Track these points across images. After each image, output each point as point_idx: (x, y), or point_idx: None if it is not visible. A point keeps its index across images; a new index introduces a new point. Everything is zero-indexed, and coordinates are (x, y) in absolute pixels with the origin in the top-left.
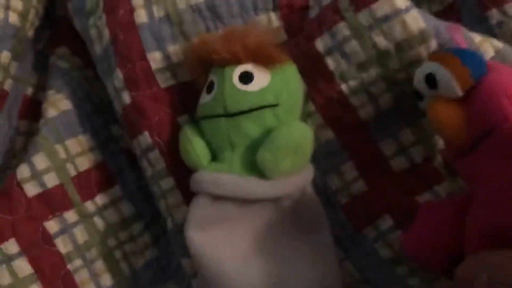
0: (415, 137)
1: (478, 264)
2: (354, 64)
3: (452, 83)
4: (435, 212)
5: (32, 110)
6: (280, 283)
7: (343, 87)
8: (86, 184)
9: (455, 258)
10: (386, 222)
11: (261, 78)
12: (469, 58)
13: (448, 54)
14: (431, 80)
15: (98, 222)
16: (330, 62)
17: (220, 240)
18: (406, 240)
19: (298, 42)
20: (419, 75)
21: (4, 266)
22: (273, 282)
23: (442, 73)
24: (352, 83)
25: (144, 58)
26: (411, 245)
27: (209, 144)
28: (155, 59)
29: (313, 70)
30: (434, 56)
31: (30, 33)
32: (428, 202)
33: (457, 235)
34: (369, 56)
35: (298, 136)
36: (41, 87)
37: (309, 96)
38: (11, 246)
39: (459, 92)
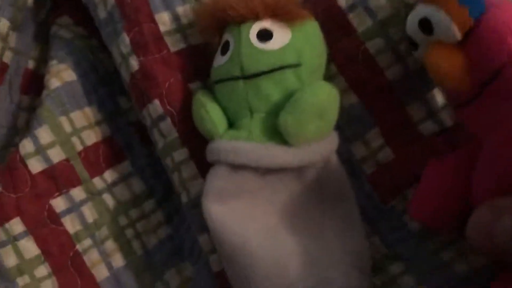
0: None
1: (496, 210)
2: (380, 20)
3: (450, 25)
4: (439, 172)
5: (35, 84)
6: (306, 258)
7: (368, 46)
8: (94, 159)
9: (464, 217)
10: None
11: (281, 36)
12: None
13: None
14: (426, 25)
15: (108, 199)
16: (353, 19)
17: (241, 213)
18: (412, 205)
19: None
20: (412, 21)
21: (9, 246)
22: (300, 256)
23: (438, 16)
24: (378, 41)
25: (152, 20)
26: (417, 210)
27: (225, 110)
28: (163, 20)
29: (335, 28)
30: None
31: (30, 0)
32: (432, 161)
33: (464, 194)
34: (396, 10)
35: (323, 97)
36: (43, 60)
37: (330, 57)
38: (16, 226)
39: (458, 35)
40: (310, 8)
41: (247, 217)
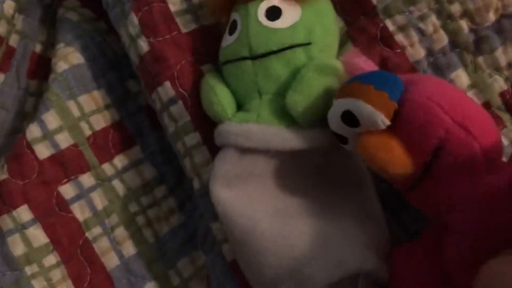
0: (471, 80)
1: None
2: None
3: (373, 113)
4: (408, 259)
5: (42, 68)
6: (320, 238)
7: (388, 23)
8: (103, 145)
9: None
10: None
11: (291, 13)
12: (380, 80)
13: (355, 84)
14: (349, 118)
15: (118, 186)
16: None
17: (250, 196)
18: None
19: None
20: (334, 116)
21: (17, 234)
22: (312, 237)
23: (358, 107)
24: (399, 18)
25: None
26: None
27: (233, 92)
28: (174, 0)
29: (352, 5)
30: (342, 92)
31: None
32: (397, 249)
33: (437, 271)
34: None
35: (329, 73)
36: (51, 44)
37: (348, 36)
38: (24, 213)
39: (386, 121)
40: None
41: (256, 200)
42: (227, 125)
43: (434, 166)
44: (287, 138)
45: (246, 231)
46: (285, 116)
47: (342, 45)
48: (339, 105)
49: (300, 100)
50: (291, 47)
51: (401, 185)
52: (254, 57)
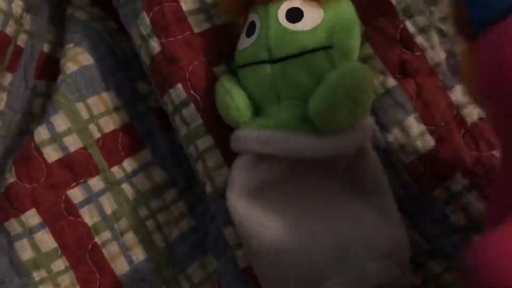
0: None
1: None
2: None
3: None
4: None
5: (50, 68)
6: (342, 253)
7: (408, 24)
8: (112, 147)
9: None
10: (459, 182)
11: (312, 15)
12: None
13: None
14: None
15: (127, 189)
16: None
17: (268, 206)
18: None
19: None
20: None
21: (25, 239)
22: (335, 251)
23: None
24: (419, 19)
25: None
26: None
27: (250, 96)
28: None
29: (371, 5)
30: None
31: None
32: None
33: None
34: None
35: (356, 80)
36: (59, 44)
37: (366, 37)
38: (32, 218)
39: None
40: None
41: (273, 208)
42: (244, 130)
43: None
44: (307, 145)
45: (262, 242)
46: (305, 122)
47: (369, 58)
48: None
49: (323, 107)
50: (312, 50)
51: None
52: (273, 61)
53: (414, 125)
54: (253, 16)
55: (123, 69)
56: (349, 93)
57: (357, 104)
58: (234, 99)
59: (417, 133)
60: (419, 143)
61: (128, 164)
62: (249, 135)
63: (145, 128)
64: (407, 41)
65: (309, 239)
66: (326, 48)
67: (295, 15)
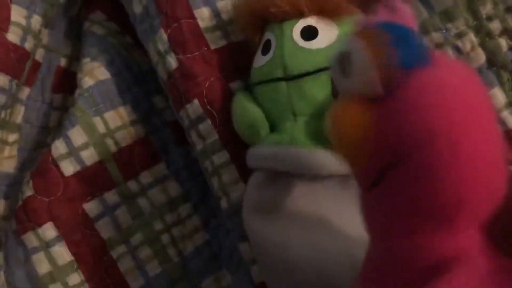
0: (508, 98)
1: None
2: (438, 12)
3: (368, 67)
4: None
5: (67, 82)
6: (355, 261)
7: (425, 39)
8: (128, 161)
9: None
10: None
11: (327, 33)
12: (405, 38)
13: (378, 29)
14: (345, 63)
15: (143, 203)
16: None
17: (283, 223)
18: None
19: None
20: (333, 56)
21: (42, 253)
22: (347, 260)
23: (359, 52)
24: (436, 36)
25: (191, 16)
26: None
27: (266, 113)
28: (203, 16)
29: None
30: (360, 33)
31: None
32: None
33: None
34: (455, 2)
35: None
36: (76, 58)
37: None
38: (49, 231)
39: (377, 85)
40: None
41: (288, 225)
42: (260, 147)
43: (390, 174)
44: (324, 163)
45: (277, 260)
46: (321, 139)
47: None
48: (346, 43)
49: None
50: (327, 68)
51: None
52: (288, 78)
53: None
54: (268, 35)
55: (139, 84)
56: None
57: None
58: (250, 116)
59: None
60: None
61: (144, 178)
62: (265, 152)
63: (161, 141)
64: None
65: (326, 259)
66: None
67: (310, 33)
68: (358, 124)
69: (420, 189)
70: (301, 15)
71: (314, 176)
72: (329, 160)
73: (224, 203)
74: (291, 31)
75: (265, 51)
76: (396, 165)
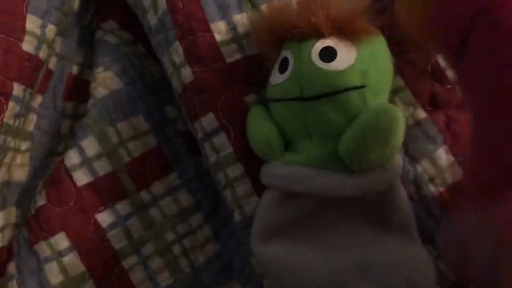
0: None
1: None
2: None
3: None
4: None
5: (78, 90)
6: (365, 272)
7: (440, 58)
8: (141, 171)
9: None
10: None
11: (346, 55)
12: None
13: None
14: None
15: (154, 213)
16: None
17: (292, 241)
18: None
19: (384, 4)
20: None
21: (54, 262)
22: (358, 273)
23: None
24: None
25: (207, 29)
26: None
27: (281, 130)
28: (219, 29)
29: (403, 39)
30: None
31: (76, 4)
32: None
33: None
34: None
35: (388, 120)
36: (88, 66)
37: (397, 69)
38: (61, 241)
39: None
40: (375, 17)
41: (298, 241)
42: (274, 165)
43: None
44: (338, 184)
45: (288, 282)
46: (335, 160)
47: (399, 90)
48: None
49: (354, 147)
50: (345, 89)
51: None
52: (305, 99)
53: (444, 156)
54: (286, 52)
55: (152, 93)
56: (381, 134)
57: (387, 144)
58: (265, 133)
59: (447, 164)
60: (448, 174)
61: (156, 188)
62: (279, 171)
63: (173, 152)
64: (438, 74)
65: (331, 269)
66: (359, 87)
67: (328, 54)
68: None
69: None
70: (320, 35)
71: (327, 196)
72: (342, 182)
73: (237, 216)
74: (310, 51)
75: (282, 69)
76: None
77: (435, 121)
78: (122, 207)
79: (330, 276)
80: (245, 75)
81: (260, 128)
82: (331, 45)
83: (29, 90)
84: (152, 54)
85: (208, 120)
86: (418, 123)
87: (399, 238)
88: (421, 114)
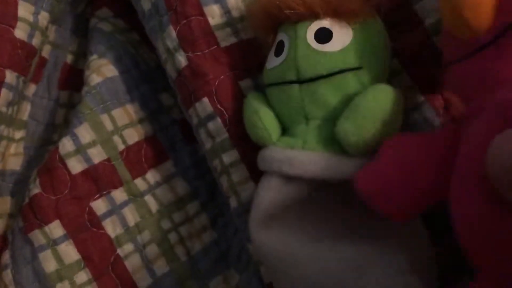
0: None
1: None
2: None
3: None
4: (407, 146)
5: (73, 79)
6: (362, 265)
7: (437, 40)
8: (136, 159)
9: (423, 205)
10: None
11: (342, 36)
12: None
13: None
14: None
15: (150, 201)
16: (420, 9)
17: (290, 230)
18: (363, 174)
19: None
20: None
21: (49, 250)
22: (355, 264)
23: None
24: None
25: (201, 13)
26: (369, 181)
27: (278, 115)
28: (213, 13)
29: (399, 21)
30: None
31: None
32: (398, 137)
33: (435, 177)
34: None
35: (386, 102)
36: (82, 54)
37: (394, 52)
38: (56, 229)
39: None
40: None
41: (296, 232)
42: (271, 150)
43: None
44: (335, 168)
45: (285, 269)
46: (333, 143)
47: (397, 74)
48: None
49: (352, 130)
50: (341, 71)
51: (462, 47)
52: (301, 81)
53: None
54: (281, 35)
55: (147, 81)
56: (378, 116)
57: (387, 128)
58: (262, 119)
59: None
60: None
61: (151, 176)
62: (276, 155)
63: (169, 140)
64: (436, 57)
65: (330, 257)
66: (356, 69)
67: (324, 35)
68: None
69: None
70: (315, 16)
71: (325, 180)
72: (340, 166)
73: (233, 203)
74: (305, 33)
75: (278, 53)
76: None
77: (433, 105)
78: (118, 194)
79: (325, 275)
80: (240, 59)
81: (256, 114)
82: (326, 26)
83: (22, 77)
84: (147, 42)
85: (203, 105)
86: (416, 106)
87: (400, 232)
88: (419, 97)
